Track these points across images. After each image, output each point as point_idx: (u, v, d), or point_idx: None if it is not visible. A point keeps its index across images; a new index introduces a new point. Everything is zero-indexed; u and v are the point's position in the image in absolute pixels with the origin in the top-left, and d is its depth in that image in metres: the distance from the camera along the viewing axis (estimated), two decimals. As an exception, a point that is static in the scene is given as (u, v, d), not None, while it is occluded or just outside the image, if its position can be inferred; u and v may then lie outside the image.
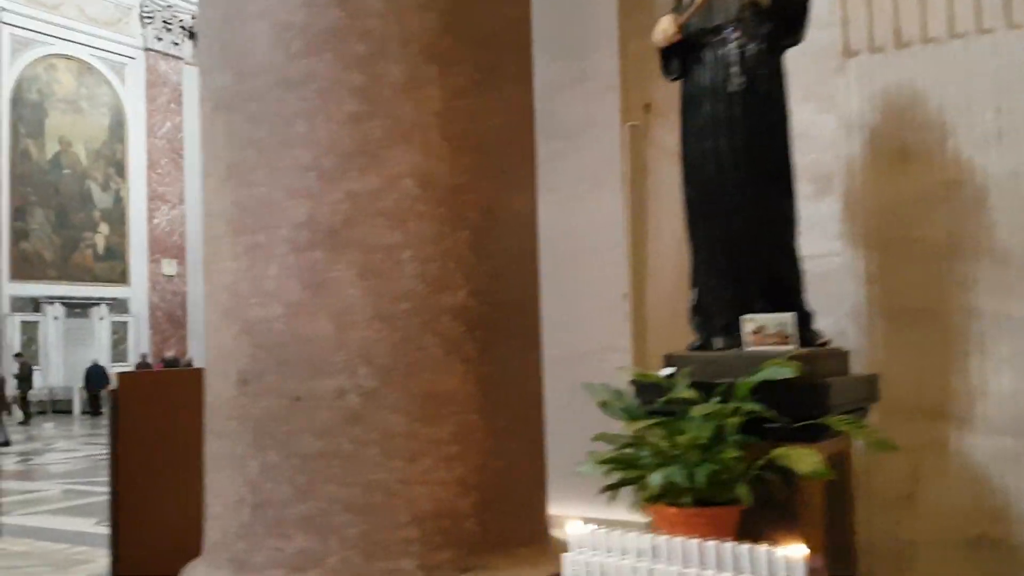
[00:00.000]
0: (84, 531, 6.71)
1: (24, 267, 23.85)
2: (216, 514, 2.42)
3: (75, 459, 12.56)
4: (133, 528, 2.95)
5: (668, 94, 2.98)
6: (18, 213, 23.65)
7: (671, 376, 2.17)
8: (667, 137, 3.09)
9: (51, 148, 24.37)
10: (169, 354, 25.45)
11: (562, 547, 2.59)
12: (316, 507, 2.25)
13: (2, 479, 10.08)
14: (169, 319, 27.31)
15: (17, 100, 23.55)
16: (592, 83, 3.07)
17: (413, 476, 2.26)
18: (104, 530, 6.64)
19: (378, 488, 2.25)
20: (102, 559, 5.74)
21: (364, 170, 2.30)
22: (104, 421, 20.58)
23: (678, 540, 1.56)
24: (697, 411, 1.93)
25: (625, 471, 1.98)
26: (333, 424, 2.26)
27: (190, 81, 27.70)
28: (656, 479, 1.86)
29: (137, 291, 26.41)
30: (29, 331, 24.02)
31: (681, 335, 2.76)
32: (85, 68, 25.02)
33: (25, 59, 23.79)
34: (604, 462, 2.01)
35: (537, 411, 2.57)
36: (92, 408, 22.31)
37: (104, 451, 12.55)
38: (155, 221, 26.81)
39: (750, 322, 2.19)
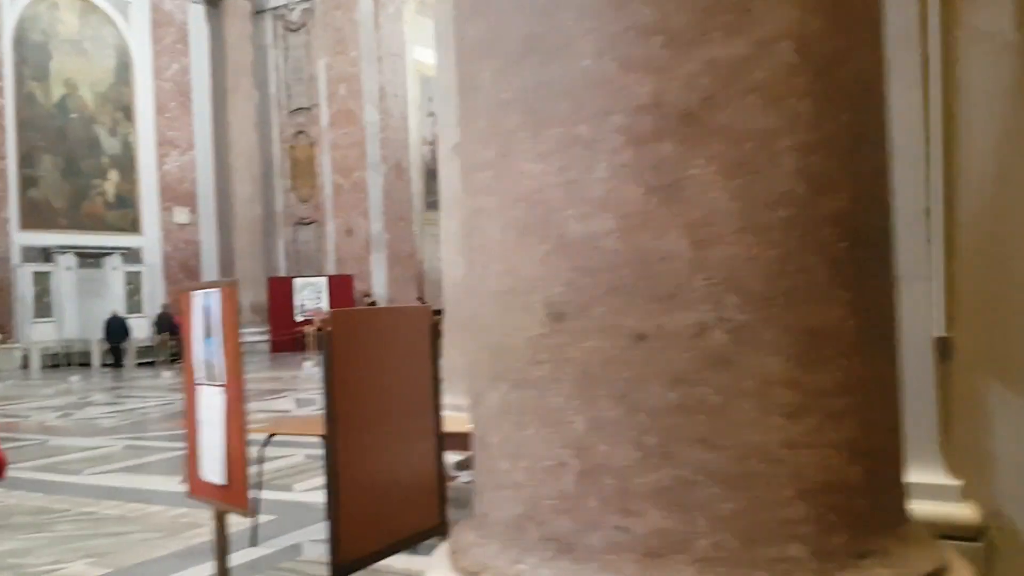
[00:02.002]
0: (171, 491, 6.23)
1: (34, 216, 23.20)
2: (515, 481, 1.91)
3: (119, 413, 12.09)
4: (352, 486, 2.45)
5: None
6: (25, 160, 22.91)
7: None
8: (980, 15, 2.51)
9: (56, 92, 23.53)
10: (187, 304, 24.93)
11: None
12: (675, 476, 1.74)
13: (52, 435, 9.61)
14: (183, 269, 26.78)
15: (20, 41, 22.62)
16: (885, -52, 2.49)
17: (797, 437, 1.75)
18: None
19: (756, 452, 1.73)
20: (213, 521, 5.27)
21: (729, 31, 1.74)
22: (128, 374, 20.17)
23: None
24: None
25: None
26: (693, 369, 1.74)
27: (196, 20, 26.71)
28: None
29: (150, 240, 25.83)
30: (41, 282, 23.46)
31: (1000, 262, 2.22)
32: (88, 7, 24.03)
33: (27, -2, 22.77)
34: None
35: (896, 354, 2.04)
36: (114, 360, 21.83)
37: (148, 404, 12.09)
38: (165, 167, 26.11)
39: None
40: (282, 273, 27.67)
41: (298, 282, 26.27)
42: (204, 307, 2.40)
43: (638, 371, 1.74)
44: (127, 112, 25.15)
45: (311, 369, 17.78)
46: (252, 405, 12.29)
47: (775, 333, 1.72)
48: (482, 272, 2.02)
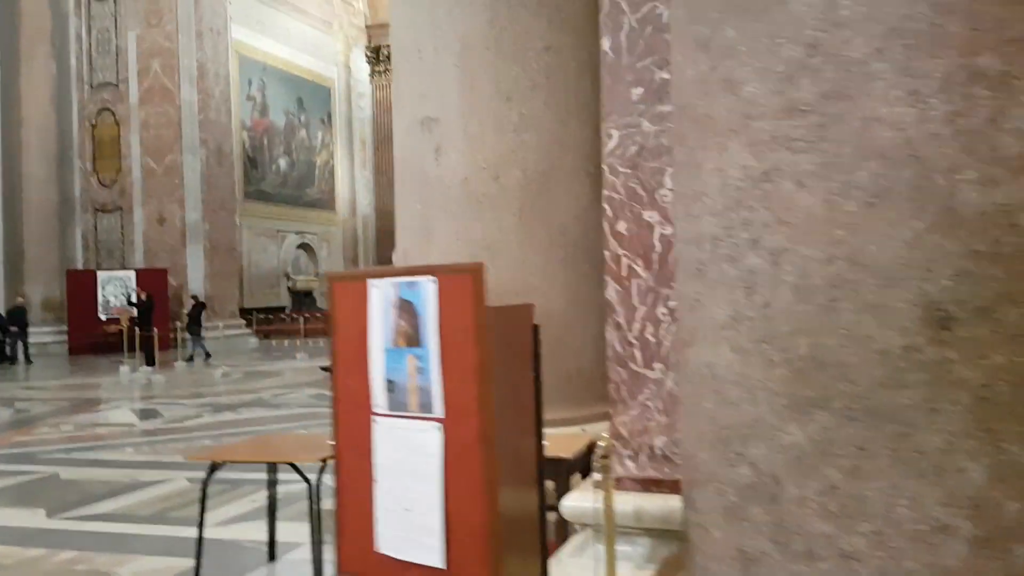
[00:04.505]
0: (43, 528, 5.01)
1: None
2: (847, 550, 1.39)
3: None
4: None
5: None
6: None
7: None
8: None
9: None
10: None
11: None
12: (1122, 542, 1.27)
13: None
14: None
15: None
16: None
17: None
18: (66, 525, 5.02)
19: None
20: (120, 568, 4.19)
21: None
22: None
23: None
24: None
25: None
26: None
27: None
28: None
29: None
30: None
31: None
32: None
33: None
34: None
35: None
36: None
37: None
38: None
39: None
40: (80, 265, 24.97)
41: (102, 276, 23.81)
42: (394, 303, 1.63)
43: (1071, 397, 1.27)
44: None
45: (132, 375, 15.92)
46: (85, 417, 10.67)
47: None
48: (772, 256, 1.47)
